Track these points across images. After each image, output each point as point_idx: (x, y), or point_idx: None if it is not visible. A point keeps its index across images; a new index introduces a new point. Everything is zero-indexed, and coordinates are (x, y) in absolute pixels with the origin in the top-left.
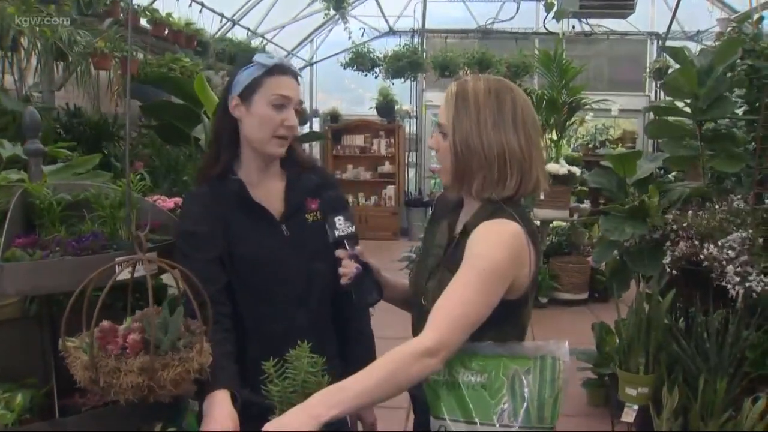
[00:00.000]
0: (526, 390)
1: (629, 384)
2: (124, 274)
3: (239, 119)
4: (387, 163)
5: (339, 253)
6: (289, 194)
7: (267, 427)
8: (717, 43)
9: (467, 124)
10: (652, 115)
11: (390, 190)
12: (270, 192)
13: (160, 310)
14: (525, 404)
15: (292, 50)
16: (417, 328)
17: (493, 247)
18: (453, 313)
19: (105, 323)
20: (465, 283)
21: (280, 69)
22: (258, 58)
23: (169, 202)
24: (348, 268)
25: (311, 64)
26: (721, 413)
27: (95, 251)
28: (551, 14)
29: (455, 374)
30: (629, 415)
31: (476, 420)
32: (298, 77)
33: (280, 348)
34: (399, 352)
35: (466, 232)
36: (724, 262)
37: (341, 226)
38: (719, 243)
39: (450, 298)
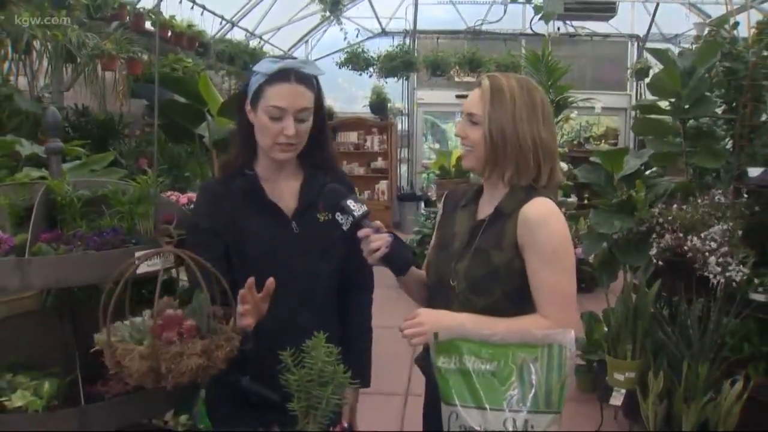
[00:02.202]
0: (534, 377)
1: (617, 369)
2: (143, 267)
3: (253, 123)
4: (380, 158)
5: (363, 232)
6: (302, 192)
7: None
8: (695, 46)
9: (503, 116)
10: (634, 113)
11: (383, 185)
12: (284, 189)
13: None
14: (533, 390)
15: (288, 50)
16: (440, 308)
17: (553, 224)
18: (558, 296)
19: (170, 311)
20: (550, 266)
21: (280, 76)
22: (259, 66)
23: (183, 198)
24: (380, 240)
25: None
26: (702, 395)
27: (115, 245)
28: (539, 16)
29: (466, 362)
30: (617, 399)
31: (486, 406)
32: (305, 79)
33: (282, 344)
34: (530, 322)
35: (502, 214)
36: (707, 253)
37: (355, 207)
38: (702, 235)
39: (546, 284)
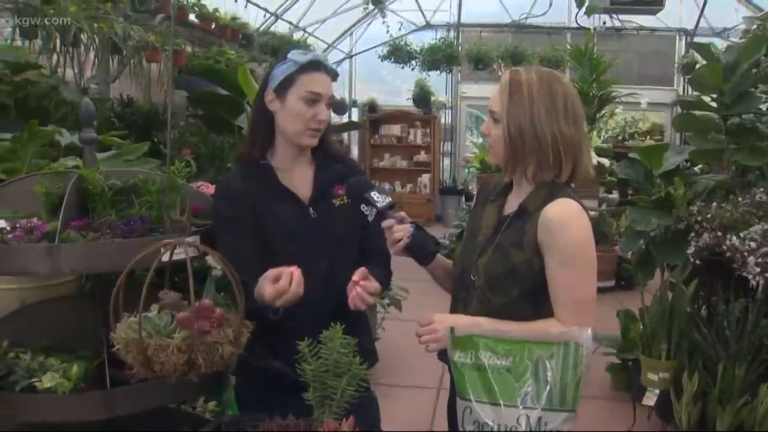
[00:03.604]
0: (549, 374)
1: (651, 369)
2: (166, 257)
3: (274, 112)
4: (423, 152)
5: (386, 223)
6: (317, 180)
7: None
8: (743, 40)
9: (520, 112)
10: (679, 109)
11: (425, 178)
12: (299, 177)
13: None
14: (548, 387)
15: (333, 43)
16: (461, 300)
17: (574, 227)
18: (574, 301)
19: (206, 301)
20: (569, 270)
21: (313, 65)
22: (292, 55)
23: (212, 188)
24: (403, 231)
25: (350, 57)
26: (738, 398)
27: (143, 234)
28: (582, 10)
29: (482, 357)
30: (650, 399)
31: (500, 401)
32: (332, 72)
33: (308, 328)
34: (547, 327)
35: (525, 212)
36: (746, 253)
37: (379, 198)
38: (741, 234)
39: (564, 288)
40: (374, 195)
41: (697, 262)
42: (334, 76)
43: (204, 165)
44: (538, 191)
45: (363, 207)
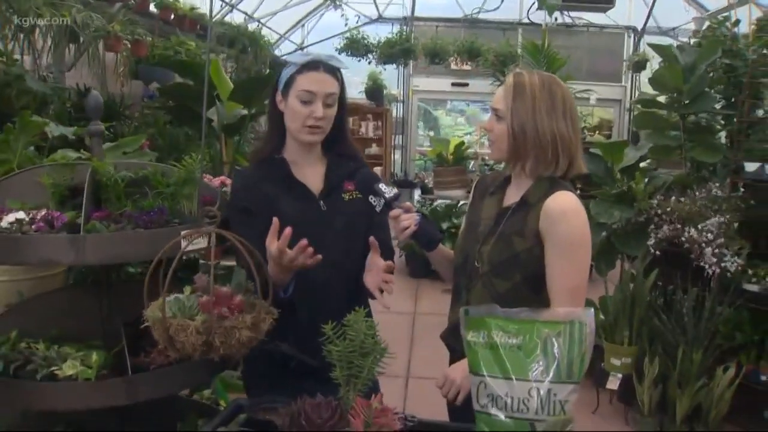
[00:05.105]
0: (557, 350)
1: (614, 355)
2: (189, 246)
3: (283, 112)
4: (374, 145)
5: (394, 212)
6: (328, 175)
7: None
8: (693, 41)
9: (524, 111)
10: (630, 106)
11: (377, 171)
12: (311, 173)
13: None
14: (556, 362)
15: (285, 34)
16: (464, 287)
17: (573, 219)
18: (568, 287)
19: (224, 289)
20: (565, 258)
21: (310, 66)
22: (293, 57)
23: (216, 181)
24: (410, 219)
25: (302, 48)
26: (696, 381)
27: (161, 225)
28: (543, 7)
29: (494, 337)
30: (613, 383)
31: (513, 376)
32: (335, 70)
33: (317, 314)
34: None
35: (527, 203)
36: (703, 244)
37: (386, 189)
38: (699, 227)
39: (559, 275)
40: (382, 186)
41: (657, 252)
42: (334, 74)
43: (163, 157)
44: (540, 184)
45: (371, 198)
